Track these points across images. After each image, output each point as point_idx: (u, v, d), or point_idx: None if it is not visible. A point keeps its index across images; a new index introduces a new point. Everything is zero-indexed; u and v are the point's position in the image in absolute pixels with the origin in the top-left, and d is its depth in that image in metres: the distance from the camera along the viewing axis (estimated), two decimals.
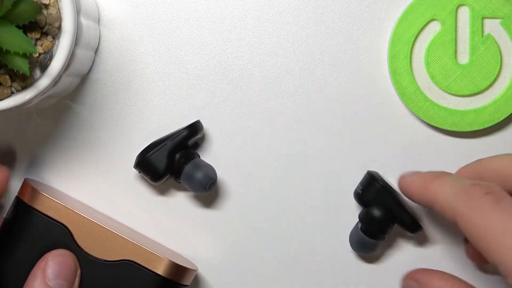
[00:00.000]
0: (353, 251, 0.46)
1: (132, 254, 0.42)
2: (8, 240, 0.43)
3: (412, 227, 0.44)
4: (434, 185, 0.39)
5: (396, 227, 0.45)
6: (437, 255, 0.46)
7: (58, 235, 0.42)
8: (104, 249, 0.42)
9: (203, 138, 0.46)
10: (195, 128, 0.45)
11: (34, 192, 0.43)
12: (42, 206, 0.42)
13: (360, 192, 0.44)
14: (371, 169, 0.45)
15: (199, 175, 0.43)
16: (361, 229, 0.44)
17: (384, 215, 0.43)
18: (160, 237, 0.47)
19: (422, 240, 0.46)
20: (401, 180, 0.43)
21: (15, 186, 0.46)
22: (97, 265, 0.42)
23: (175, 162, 0.44)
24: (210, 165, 0.44)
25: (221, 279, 0.47)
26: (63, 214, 0.42)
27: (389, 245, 0.46)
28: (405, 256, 0.46)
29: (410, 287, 0.42)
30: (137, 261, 0.42)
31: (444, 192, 0.38)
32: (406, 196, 0.42)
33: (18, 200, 0.43)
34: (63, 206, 0.42)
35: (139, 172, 0.45)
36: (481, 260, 0.43)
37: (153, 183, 0.45)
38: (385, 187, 0.44)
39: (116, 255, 0.42)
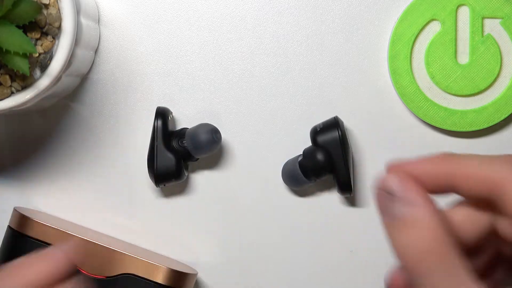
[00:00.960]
0: (284, 182, 0.46)
1: (130, 267, 0.42)
2: None
3: (343, 186, 0.44)
4: (457, 157, 0.29)
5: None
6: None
7: None
8: (102, 266, 0.42)
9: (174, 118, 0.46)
10: (162, 114, 0.44)
11: (25, 219, 0.43)
12: (34, 232, 0.42)
13: (318, 130, 0.44)
14: (338, 116, 0.45)
15: (201, 137, 0.43)
16: (299, 162, 0.44)
17: (326, 161, 0.43)
18: (158, 243, 0.46)
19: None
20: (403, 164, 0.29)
21: (12, 192, 0.46)
22: (97, 284, 0.42)
23: (177, 149, 0.44)
24: (202, 124, 0.44)
25: (222, 281, 0.47)
26: (56, 237, 0.42)
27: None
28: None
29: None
30: (136, 273, 0.42)
31: (473, 162, 0.29)
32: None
33: (10, 229, 0.43)
34: (55, 229, 0.42)
35: (164, 185, 0.45)
36: None
37: (180, 182, 0.45)
38: (342, 138, 0.43)
39: (115, 270, 0.42)
